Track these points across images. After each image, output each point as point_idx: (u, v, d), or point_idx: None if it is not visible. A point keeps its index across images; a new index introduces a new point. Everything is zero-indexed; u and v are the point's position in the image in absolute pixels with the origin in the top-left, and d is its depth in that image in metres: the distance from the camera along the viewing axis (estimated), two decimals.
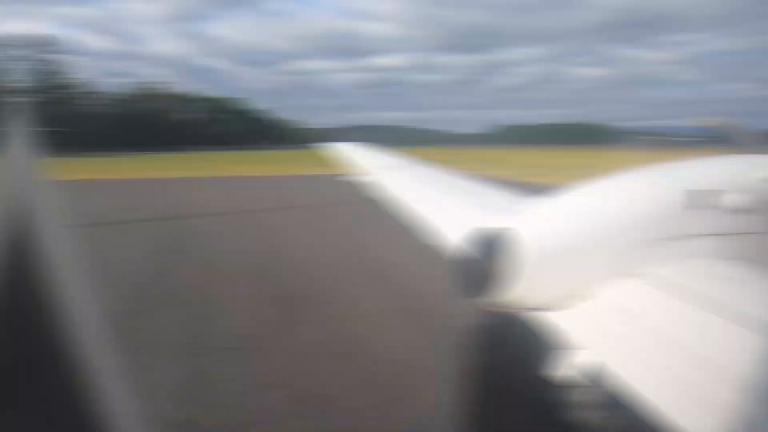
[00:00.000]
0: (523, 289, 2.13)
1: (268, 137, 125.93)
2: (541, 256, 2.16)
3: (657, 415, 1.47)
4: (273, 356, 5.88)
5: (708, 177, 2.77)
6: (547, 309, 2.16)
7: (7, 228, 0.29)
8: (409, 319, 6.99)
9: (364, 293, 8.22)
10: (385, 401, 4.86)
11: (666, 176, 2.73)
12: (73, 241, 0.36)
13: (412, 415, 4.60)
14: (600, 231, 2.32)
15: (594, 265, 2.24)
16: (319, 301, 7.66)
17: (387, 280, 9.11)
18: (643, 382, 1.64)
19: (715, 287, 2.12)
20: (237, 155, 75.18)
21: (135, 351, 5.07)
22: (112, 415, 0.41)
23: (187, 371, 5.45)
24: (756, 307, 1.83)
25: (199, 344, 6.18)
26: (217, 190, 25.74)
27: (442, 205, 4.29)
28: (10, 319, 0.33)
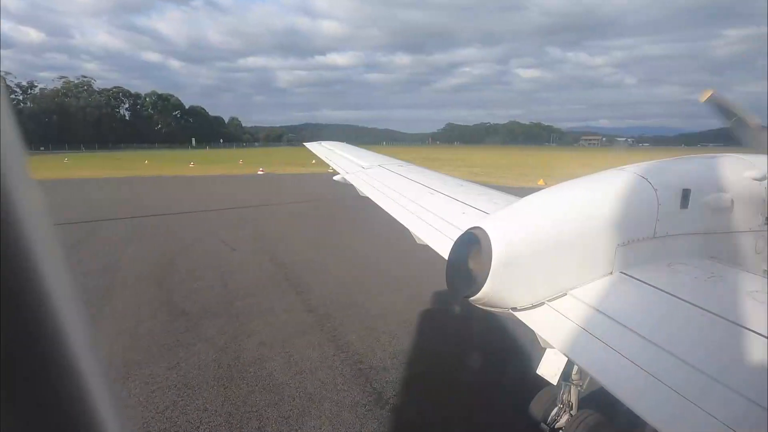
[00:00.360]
0: (496, 289, 2.10)
1: (203, 135, 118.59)
2: (515, 256, 2.12)
3: (631, 414, 1.49)
4: None
5: (689, 175, 2.63)
6: (522, 308, 2.16)
7: None
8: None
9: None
10: None
11: (645, 175, 2.48)
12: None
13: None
14: (575, 230, 2.23)
15: (569, 265, 2.19)
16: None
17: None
18: (618, 381, 1.65)
19: (694, 286, 2.10)
20: (166, 154, 70.43)
21: None
22: (96, 416, 0.42)
23: None
24: (738, 306, 1.82)
25: None
26: (104, 192, 22.06)
27: (426, 204, 4.17)
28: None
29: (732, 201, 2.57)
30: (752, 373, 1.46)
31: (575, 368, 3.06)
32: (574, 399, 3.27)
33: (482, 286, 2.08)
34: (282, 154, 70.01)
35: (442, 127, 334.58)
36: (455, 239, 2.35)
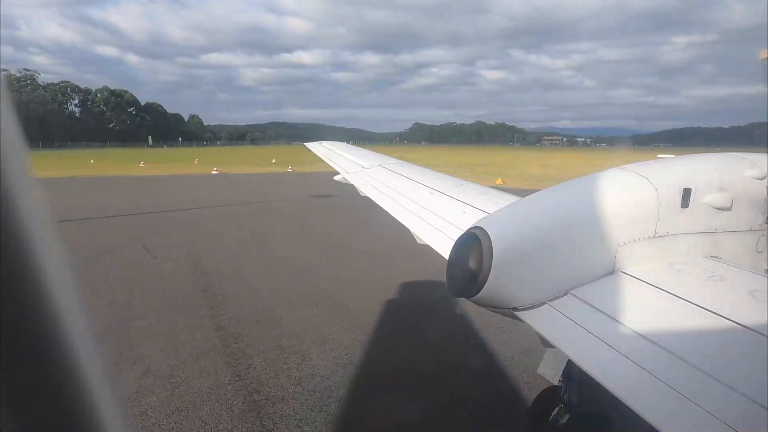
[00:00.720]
0: (497, 288, 2.10)
1: (161, 134, 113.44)
2: (515, 256, 2.12)
3: (632, 413, 1.48)
4: None
5: (690, 174, 2.58)
6: (523, 308, 2.15)
7: None
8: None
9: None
10: None
11: (646, 174, 2.45)
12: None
13: None
14: (576, 229, 2.24)
15: (569, 264, 2.18)
16: None
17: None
18: (619, 381, 1.63)
19: (695, 286, 2.06)
20: (118, 153, 66.58)
21: None
22: (99, 415, 0.42)
23: None
24: (739, 306, 1.81)
25: None
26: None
27: (426, 203, 4.13)
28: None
29: (733, 200, 2.54)
30: (753, 373, 1.47)
31: (576, 368, 3.03)
32: (575, 399, 3.20)
33: (483, 285, 2.08)
34: (243, 154, 67.81)
35: (409, 126, 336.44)
36: (456, 239, 2.34)
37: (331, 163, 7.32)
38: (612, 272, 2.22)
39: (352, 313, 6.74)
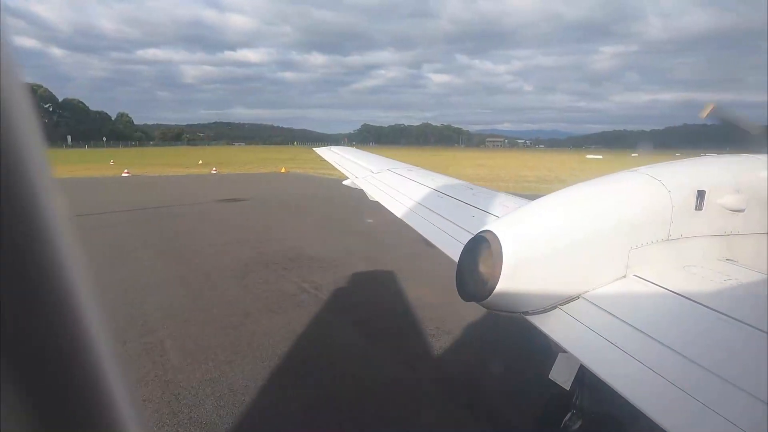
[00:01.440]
0: (507, 293, 2.08)
1: (82, 133, 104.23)
2: (526, 259, 2.09)
3: (646, 419, 1.46)
4: None
5: (704, 176, 2.54)
6: (534, 312, 2.13)
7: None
8: None
9: None
10: None
11: (658, 176, 2.42)
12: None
13: None
14: (587, 233, 2.21)
15: (581, 268, 2.17)
16: None
17: None
18: (633, 386, 1.61)
19: (710, 289, 2.04)
20: None
21: None
22: (110, 411, 0.43)
23: None
24: (756, 309, 1.80)
25: None
26: None
27: (435, 207, 4.16)
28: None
29: (748, 202, 2.51)
30: None
31: (588, 373, 2.96)
32: (587, 404, 3.15)
33: (493, 290, 2.06)
34: (172, 155, 63.64)
35: (358, 128, 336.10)
36: (465, 243, 2.31)
37: (340, 168, 7.32)
38: (624, 276, 2.18)
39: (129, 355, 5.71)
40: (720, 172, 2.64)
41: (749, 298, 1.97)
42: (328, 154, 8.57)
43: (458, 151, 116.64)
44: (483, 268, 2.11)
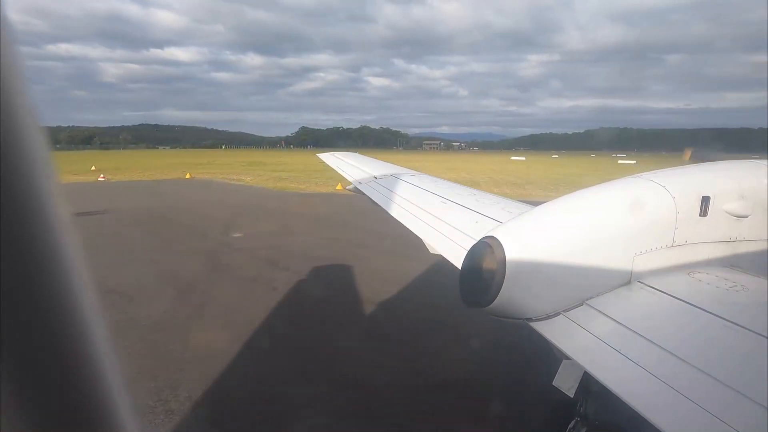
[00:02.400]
0: (510, 299, 2.08)
1: None
2: (529, 266, 2.09)
3: (651, 427, 1.45)
4: None
5: (708, 182, 2.53)
6: (537, 318, 2.13)
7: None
8: None
9: None
10: None
11: (663, 182, 2.42)
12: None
13: None
14: (591, 239, 2.22)
15: (585, 274, 2.16)
16: None
17: None
18: (637, 394, 1.60)
19: (715, 296, 2.04)
20: None
21: None
22: (109, 411, 0.44)
23: None
24: (762, 316, 1.78)
25: None
26: None
27: (438, 213, 4.11)
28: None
29: (753, 208, 2.47)
30: None
31: (593, 380, 2.66)
32: (591, 412, 3.09)
33: (496, 296, 2.05)
34: (68, 160, 56.84)
35: (296, 130, 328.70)
36: (469, 249, 2.28)
37: (343, 173, 7.23)
38: (629, 282, 2.19)
39: None
40: (725, 178, 2.58)
41: (755, 305, 1.95)
42: (331, 159, 8.51)
43: (393, 154, 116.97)
44: (486, 274, 2.09)
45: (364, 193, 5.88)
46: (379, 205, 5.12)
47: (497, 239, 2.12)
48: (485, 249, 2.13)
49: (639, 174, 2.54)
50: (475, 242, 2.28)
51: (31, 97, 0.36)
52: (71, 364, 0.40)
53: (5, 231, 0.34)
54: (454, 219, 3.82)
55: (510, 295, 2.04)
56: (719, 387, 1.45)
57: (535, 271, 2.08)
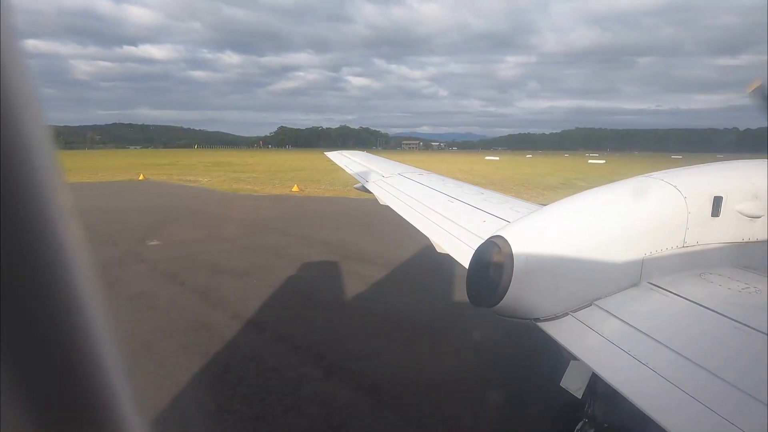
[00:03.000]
0: (518, 299, 2.08)
1: None
2: (537, 265, 2.09)
3: (660, 430, 1.44)
4: None
5: (720, 182, 2.50)
6: (545, 318, 2.12)
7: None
8: None
9: None
10: None
11: (673, 182, 2.38)
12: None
13: None
14: (600, 239, 2.19)
15: (593, 275, 2.16)
16: None
17: None
18: (647, 397, 1.58)
19: (727, 298, 2.03)
20: None
21: None
22: (113, 411, 0.44)
23: None
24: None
25: None
26: None
27: (445, 212, 4.08)
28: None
29: (766, 208, 2.41)
30: None
31: (601, 381, 2.61)
32: (600, 414, 3.04)
33: (503, 295, 2.04)
34: None
35: (275, 130, 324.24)
36: (476, 248, 2.27)
37: (351, 172, 7.24)
38: (638, 283, 2.17)
39: None
40: (737, 178, 2.54)
41: (762, 306, 1.87)
42: (339, 158, 8.49)
43: (372, 153, 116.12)
44: (493, 273, 2.07)
45: (371, 192, 5.92)
46: (387, 205, 5.11)
47: (505, 239, 2.10)
48: (493, 248, 2.12)
49: (649, 173, 2.50)
50: (482, 242, 2.27)
51: (36, 94, 0.35)
52: (75, 362, 0.39)
53: (9, 228, 0.33)
54: (461, 218, 3.80)
55: (518, 295, 2.03)
56: (730, 390, 1.44)
57: (544, 270, 2.07)
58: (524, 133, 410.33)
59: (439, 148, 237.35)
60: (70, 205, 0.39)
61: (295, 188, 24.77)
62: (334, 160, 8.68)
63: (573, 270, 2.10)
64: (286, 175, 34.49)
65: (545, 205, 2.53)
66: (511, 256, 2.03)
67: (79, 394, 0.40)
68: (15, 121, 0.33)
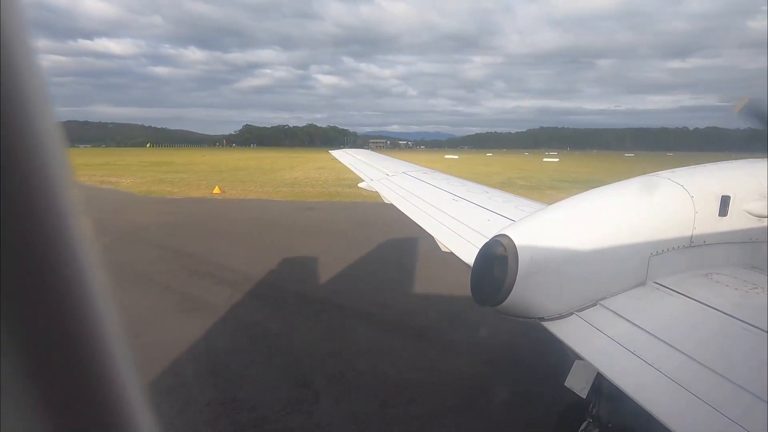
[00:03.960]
0: (523, 298, 2.05)
1: None
2: (542, 265, 2.05)
3: (665, 430, 1.43)
4: None
5: (728, 181, 2.46)
6: (550, 318, 2.08)
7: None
8: None
9: None
10: None
11: (680, 181, 2.36)
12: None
13: None
14: (605, 239, 2.15)
15: (599, 274, 2.13)
16: None
17: None
18: (652, 397, 1.55)
19: (734, 298, 1.98)
20: None
21: None
22: (123, 410, 0.43)
23: None
24: None
25: None
26: None
27: (450, 210, 4.09)
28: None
29: None
30: None
31: (606, 381, 2.59)
32: (604, 414, 2.97)
33: (508, 294, 2.02)
34: None
35: (240, 128, 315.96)
36: (480, 247, 2.25)
37: (355, 171, 7.18)
38: (644, 283, 2.15)
39: None
40: (745, 177, 2.51)
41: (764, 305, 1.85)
42: (344, 156, 8.58)
43: (323, 153, 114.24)
44: (497, 272, 2.06)
45: (376, 191, 5.88)
46: (391, 203, 5.10)
47: (510, 238, 2.07)
48: (498, 247, 2.09)
49: (656, 173, 2.47)
50: (487, 240, 2.23)
51: (46, 90, 0.35)
52: (87, 359, 0.39)
53: (20, 223, 0.33)
54: (465, 217, 3.79)
55: (522, 294, 2.01)
56: (736, 391, 1.41)
57: (548, 270, 2.04)
58: (492, 132, 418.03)
59: (407, 147, 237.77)
60: (80, 201, 0.39)
61: (216, 190, 23.04)
62: (339, 159, 8.75)
63: (578, 269, 2.08)
64: (220, 176, 32.53)
65: (551, 204, 2.54)
66: (515, 254, 2.01)
67: (89, 391, 0.39)
68: (26, 118, 0.33)
